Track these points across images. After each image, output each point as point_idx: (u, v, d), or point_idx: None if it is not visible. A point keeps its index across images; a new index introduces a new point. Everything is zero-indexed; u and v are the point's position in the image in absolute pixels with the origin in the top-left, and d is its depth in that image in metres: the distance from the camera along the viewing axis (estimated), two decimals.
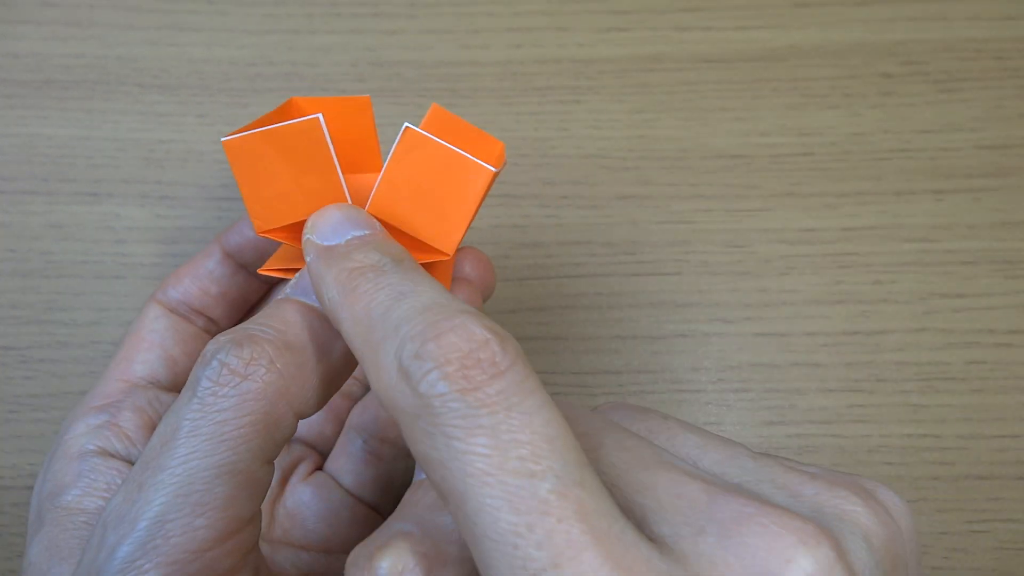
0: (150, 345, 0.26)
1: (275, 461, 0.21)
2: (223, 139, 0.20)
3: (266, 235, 0.21)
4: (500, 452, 0.14)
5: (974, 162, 0.33)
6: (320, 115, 0.20)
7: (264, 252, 0.27)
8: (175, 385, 0.26)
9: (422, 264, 0.22)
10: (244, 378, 0.18)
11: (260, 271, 0.22)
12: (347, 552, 0.24)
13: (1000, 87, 0.34)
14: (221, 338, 0.18)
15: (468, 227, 0.21)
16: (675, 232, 0.33)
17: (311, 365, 0.19)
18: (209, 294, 0.27)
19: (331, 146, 0.20)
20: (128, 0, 0.35)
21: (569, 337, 0.32)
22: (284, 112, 0.23)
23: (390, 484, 0.26)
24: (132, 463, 0.23)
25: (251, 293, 0.28)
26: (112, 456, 0.23)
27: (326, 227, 0.20)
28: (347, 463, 0.26)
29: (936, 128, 0.34)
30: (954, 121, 0.34)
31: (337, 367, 0.20)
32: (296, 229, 0.21)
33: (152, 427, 0.24)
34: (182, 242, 0.32)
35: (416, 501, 0.18)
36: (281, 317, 0.19)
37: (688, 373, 0.31)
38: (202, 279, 0.27)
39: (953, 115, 0.34)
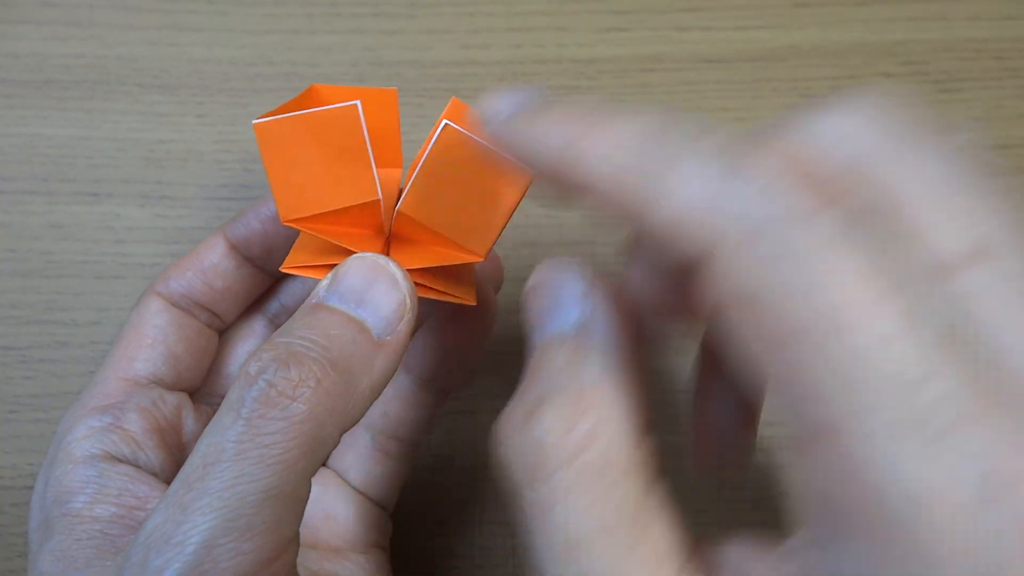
0: (153, 341, 0.25)
1: None
2: (255, 121, 0.20)
3: (292, 224, 0.21)
4: None
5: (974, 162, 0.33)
6: (359, 102, 0.19)
7: (273, 246, 0.26)
8: (178, 383, 0.25)
9: (451, 266, 0.21)
10: (292, 400, 0.17)
11: (283, 269, 0.22)
12: (356, 550, 0.24)
13: (1000, 87, 0.34)
14: (264, 356, 0.18)
15: (502, 230, 0.21)
16: None
17: (355, 381, 0.19)
18: (214, 288, 0.26)
19: (367, 136, 0.20)
20: (128, 0, 0.35)
21: None
22: (307, 99, 0.22)
23: (397, 481, 0.26)
24: (140, 467, 0.22)
25: (256, 287, 0.27)
26: (120, 460, 0.22)
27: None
28: (354, 460, 0.26)
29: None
30: (954, 121, 0.34)
31: (379, 380, 0.19)
32: (323, 219, 0.21)
33: (158, 429, 0.24)
34: (182, 242, 0.32)
35: (543, 366, 0.17)
36: (323, 331, 0.19)
37: (688, 373, 0.31)
38: (206, 272, 0.25)
39: (953, 115, 0.34)
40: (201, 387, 0.26)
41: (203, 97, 0.34)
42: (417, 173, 0.20)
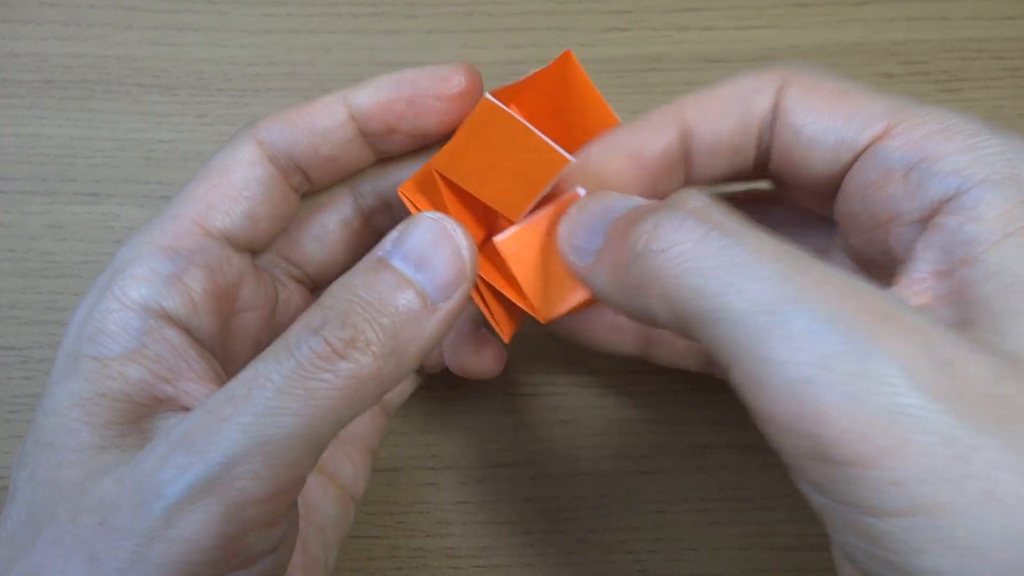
0: (238, 195, 0.23)
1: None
2: (487, 95, 0.21)
3: (439, 173, 0.22)
4: None
5: None
6: (564, 155, 0.20)
7: (395, 126, 0.24)
8: (248, 245, 0.24)
9: (507, 300, 0.23)
10: (343, 358, 0.18)
11: (400, 191, 0.23)
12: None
13: (1000, 87, 0.34)
14: (329, 313, 0.19)
15: (533, 202, 0.22)
16: None
17: (404, 347, 0.19)
18: (319, 154, 0.24)
19: (549, 184, 0.21)
20: (128, 0, 0.35)
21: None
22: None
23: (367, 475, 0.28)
24: (190, 334, 0.21)
25: (361, 163, 0.25)
26: (173, 323, 0.21)
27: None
28: (343, 461, 0.27)
29: None
30: None
31: (427, 345, 0.20)
32: (459, 191, 0.22)
33: (217, 294, 0.22)
34: None
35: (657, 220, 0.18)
36: (381, 294, 0.19)
37: (688, 373, 0.31)
38: (315, 136, 0.24)
39: None
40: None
41: (203, 97, 0.34)
42: (455, 135, 0.21)
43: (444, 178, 0.22)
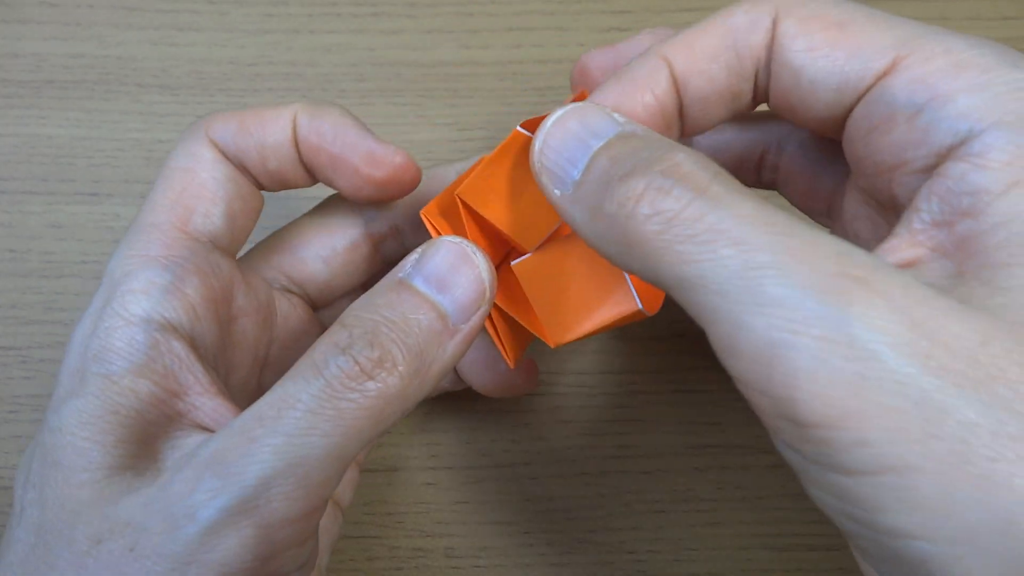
0: (213, 197, 0.22)
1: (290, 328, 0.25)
2: (518, 127, 0.21)
3: (461, 200, 0.22)
4: None
5: None
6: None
7: (314, 167, 0.23)
8: (233, 247, 0.23)
9: (517, 325, 0.23)
10: (371, 378, 0.18)
11: (422, 213, 0.22)
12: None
13: None
14: (355, 331, 0.19)
15: (550, 232, 0.22)
16: None
17: (427, 366, 0.19)
18: (266, 167, 0.23)
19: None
20: (128, 0, 0.35)
21: None
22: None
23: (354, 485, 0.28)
24: (194, 345, 0.21)
25: (305, 183, 0.24)
26: (177, 335, 0.21)
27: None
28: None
29: None
30: None
31: (448, 365, 0.20)
32: (480, 221, 0.22)
33: (215, 299, 0.22)
34: None
35: (626, 151, 0.18)
36: (405, 314, 0.19)
37: (688, 373, 0.31)
38: (264, 149, 0.23)
39: None
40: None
41: (203, 97, 0.34)
42: (482, 165, 0.21)
43: (465, 205, 0.22)
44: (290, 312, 0.26)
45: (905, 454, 0.13)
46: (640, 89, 0.19)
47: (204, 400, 0.21)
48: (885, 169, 0.17)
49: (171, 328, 0.21)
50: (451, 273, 0.20)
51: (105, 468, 0.19)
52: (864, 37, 0.17)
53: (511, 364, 0.24)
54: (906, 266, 0.16)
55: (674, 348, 0.32)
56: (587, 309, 0.21)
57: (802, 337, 0.14)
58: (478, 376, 0.27)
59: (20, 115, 0.33)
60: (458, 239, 0.21)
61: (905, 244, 0.16)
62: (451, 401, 0.31)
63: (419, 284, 0.20)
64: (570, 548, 0.30)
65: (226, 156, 0.23)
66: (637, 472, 0.30)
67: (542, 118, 0.20)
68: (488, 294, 0.21)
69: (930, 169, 0.16)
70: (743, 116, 0.24)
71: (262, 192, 0.24)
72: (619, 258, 0.17)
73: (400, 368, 0.19)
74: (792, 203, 0.25)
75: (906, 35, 0.17)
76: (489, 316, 0.23)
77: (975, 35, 0.17)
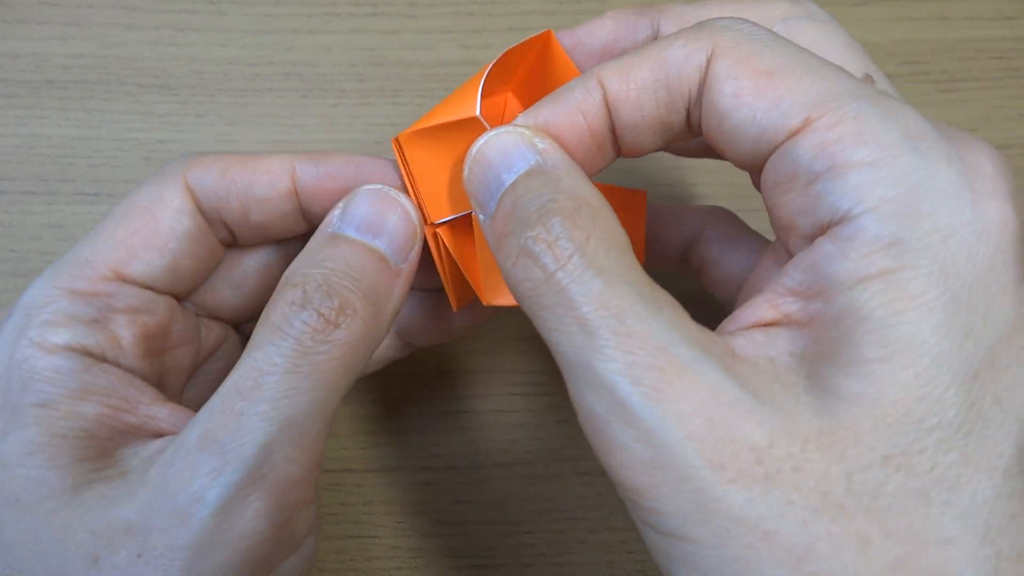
0: (163, 247, 0.21)
1: (216, 355, 0.25)
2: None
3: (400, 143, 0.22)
4: None
5: None
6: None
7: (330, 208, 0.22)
8: (169, 290, 0.22)
9: (458, 274, 0.23)
10: (336, 327, 0.19)
11: (433, 221, 0.22)
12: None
13: (1000, 87, 0.34)
14: (309, 286, 0.19)
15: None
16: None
17: (382, 308, 0.20)
18: (249, 219, 0.22)
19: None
20: (128, 0, 0.35)
21: None
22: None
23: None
24: (129, 371, 0.21)
25: (293, 233, 0.24)
26: (105, 360, 0.20)
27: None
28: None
29: None
30: (954, 121, 0.34)
31: (398, 305, 0.21)
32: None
33: (146, 337, 0.21)
34: None
35: (523, 194, 0.19)
36: (348, 261, 0.20)
37: None
38: (250, 202, 0.22)
39: (953, 115, 0.34)
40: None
41: (203, 97, 0.34)
42: (439, 118, 0.22)
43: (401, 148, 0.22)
44: (208, 334, 0.25)
45: (686, 528, 0.15)
46: (572, 111, 0.19)
47: (156, 409, 0.20)
48: (783, 227, 0.18)
49: (95, 355, 0.20)
50: (379, 217, 0.21)
51: (69, 490, 0.18)
52: (786, 89, 0.17)
53: (453, 307, 0.24)
54: (766, 326, 0.17)
55: None
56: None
57: (614, 419, 0.16)
58: (420, 327, 0.26)
59: (20, 115, 0.33)
60: (377, 185, 0.21)
61: (766, 305, 0.17)
62: (451, 401, 0.31)
63: (352, 233, 0.21)
64: (570, 548, 0.30)
65: (200, 205, 0.22)
66: None
67: (496, 74, 0.21)
68: (419, 232, 0.21)
69: (812, 238, 0.17)
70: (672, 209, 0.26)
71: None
72: (511, 289, 0.19)
73: (360, 312, 0.19)
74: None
75: (823, 93, 0.17)
76: (441, 260, 0.23)
77: (896, 101, 0.17)
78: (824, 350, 0.16)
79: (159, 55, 0.34)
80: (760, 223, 0.26)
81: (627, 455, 0.16)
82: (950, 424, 0.15)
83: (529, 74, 0.23)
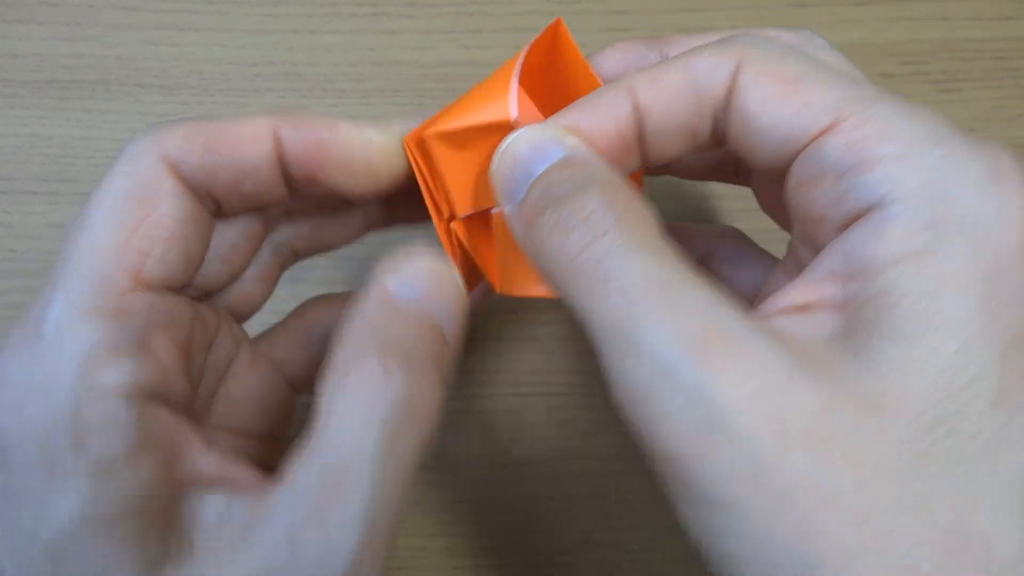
0: (171, 238, 0.19)
1: (214, 345, 0.23)
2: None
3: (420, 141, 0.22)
4: None
5: None
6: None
7: (312, 177, 0.21)
8: (182, 285, 0.21)
9: (470, 260, 0.23)
10: (422, 421, 0.19)
11: (457, 216, 0.22)
12: (281, 438, 0.24)
13: (1000, 87, 0.34)
14: (396, 372, 0.18)
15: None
16: None
17: (442, 381, 0.20)
18: (240, 192, 0.21)
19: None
20: (128, 0, 0.35)
21: (570, 337, 0.32)
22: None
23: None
24: (174, 406, 0.19)
25: (278, 203, 0.22)
26: (154, 399, 0.18)
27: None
28: (292, 350, 0.25)
29: None
30: (954, 121, 0.34)
31: (448, 375, 0.20)
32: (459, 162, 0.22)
33: (183, 353, 0.20)
34: None
35: (553, 182, 0.19)
36: (419, 332, 0.20)
37: None
38: (238, 173, 0.20)
39: (953, 115, 0.34)
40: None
41: (203, 97, 0.34)
42: (458, 119, 0.22)
43: (423, 146, 0.22)
44: (206, 311, 0.23)
45: (739, 494, 0.15)
46: (602, 115, 0.20)
47: (198, 457, 0.18)
48: (812, 220, 0.19)
49: (149, 395, 0.18)
50: (435, 288, 0.21)
51: (146, 565, 0.16)
52: (812, 94, 0.18)
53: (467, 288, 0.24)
54: (800, 310, 0.18)
55: None
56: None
57: (663, 385, 0.15)
58: None
59: (20, 115, 0.33)
60: (433, 256, 0.21)
61: (802, 289, 0.18)
62: (451, 401, 0.31)
63: (410, 300, 0.20)
64: (570, 548, 0.30)
65: (188, 183, 0.20)
66: (637, 472, 0.30)
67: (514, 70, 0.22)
68: (465, 304, 0.21)
69: (844, 227, 0.18)
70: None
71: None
72: (543, 274, 0.19)
73: (438, 393, 0.19)
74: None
75: (848, 97, 0.18)
76: (450, 242, 0.23)
77: (915, 103, 0.18)
78: (864, 327, 0.16)
79: (159, 55, 0.34)
80: (769, 245, 0.26)
81: (675, 422, 0.15)
82: (991, 393, 0.15)
83: (537, 61, 0.24)
